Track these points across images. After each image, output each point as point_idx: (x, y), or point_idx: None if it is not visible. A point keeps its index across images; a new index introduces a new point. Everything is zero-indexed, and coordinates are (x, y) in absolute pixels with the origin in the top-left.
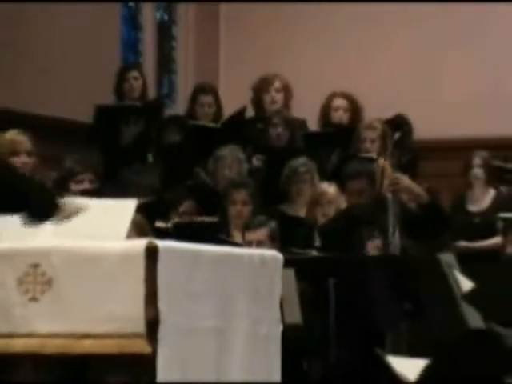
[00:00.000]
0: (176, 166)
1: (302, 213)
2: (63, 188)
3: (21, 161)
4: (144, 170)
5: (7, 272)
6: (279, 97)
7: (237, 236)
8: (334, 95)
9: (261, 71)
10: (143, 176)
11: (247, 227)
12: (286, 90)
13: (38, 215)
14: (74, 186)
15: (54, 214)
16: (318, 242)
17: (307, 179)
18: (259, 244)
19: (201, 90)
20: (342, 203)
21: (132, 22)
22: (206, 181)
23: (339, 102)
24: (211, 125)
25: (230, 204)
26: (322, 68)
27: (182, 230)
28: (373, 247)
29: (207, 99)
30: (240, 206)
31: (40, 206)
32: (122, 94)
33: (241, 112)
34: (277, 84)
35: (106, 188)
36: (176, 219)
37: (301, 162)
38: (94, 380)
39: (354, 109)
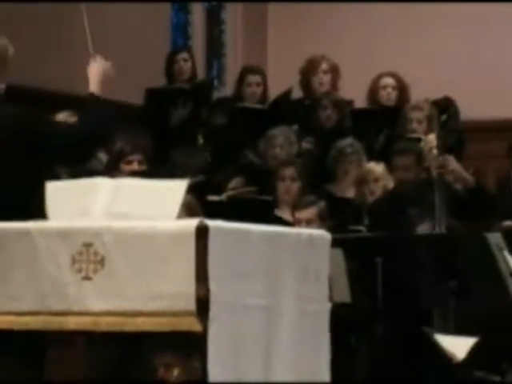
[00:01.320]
0: (225, 148)
1: (348, 193)
2: (114, 169)
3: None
4: (194, 152)
5: (61, 251)
6: (327, 78)
7: (285, 212)
8: (381, 75)
9: (308, 53)
10: (193, 157)
11: (296, 206)
12: (334, 71)
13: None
14: (124, 167)
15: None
16: (366, 221)
17: (354, 159)
18: (308, 223)
19: (249, 70)
20: (389, 182)
21: (182, 6)
22: (255, 161)
23: (387, 81)
24: (258, 106)
25: (279, 180)
26: (370, 50)
27: (236, 204)
28: (420, 226)
29: (255, 79)
30: (289, 182)
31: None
32: (172, 76)
33: (287, 93)
34: (324, 66)
35: (156, 169)
36: (230, 193)
37: (348, 142)
38: (146, 357)
39: (402, 87)
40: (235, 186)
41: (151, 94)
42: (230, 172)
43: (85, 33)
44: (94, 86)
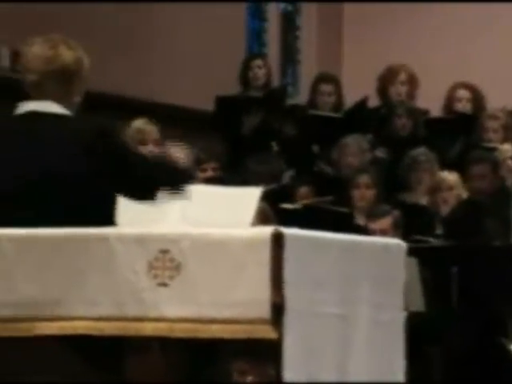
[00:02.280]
0: (297, 155)
1: (421, 202)
2: None
3: (148, 150)
4: (267, 159)
5: (138, 257)
6: (404, 89)
7: (360, 221)
8: (456, 86)
9: (384, 61)
10: (266, 165)
11: (371, 216)
12: (412, 81)
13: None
14: (199, 174)
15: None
16: (439, 230)
17: (427, 168)
18: (383, 233)
19: (322, 78)
20: (463, 192)
21: (257, 13)
22: (326, 169)
23: (462, 93)
24: (333, 114)
25: (354, 188)
26: (446, 58)
27: (311, 213)
28: (496, 236)
29: (328, 88)
30: (364, 189)
31: (174, 178)
32: (247, 83)
33: (363, 102)
34: (402, 77)
35: (230, 176)
36: (305, 201)
37: (421, 151)
38: (220, 363)
39: (477, 99)
40: (304, 194)
41: (221, 101)
42: (301, 180)
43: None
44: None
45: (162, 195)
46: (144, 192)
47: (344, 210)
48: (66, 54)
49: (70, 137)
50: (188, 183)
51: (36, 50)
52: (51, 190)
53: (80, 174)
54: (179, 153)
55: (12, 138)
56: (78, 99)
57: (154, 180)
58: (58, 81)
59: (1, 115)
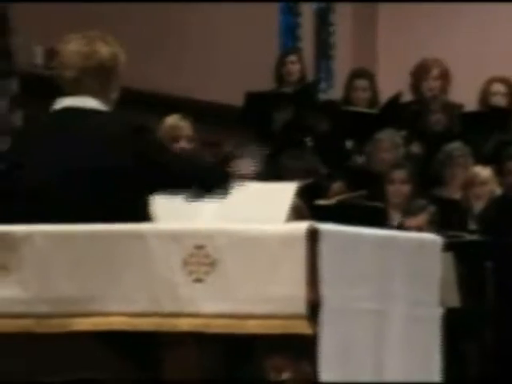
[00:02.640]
0: (331, 151)
1: (455, 196)
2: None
3: (181, 146)
4: (301, 155)
5: (173, 253)
6: (437, 84)
7: (395, 216)
8: (492, 80)
9: (419, 56)
10: (300, 160)
11: (407, 212)
12: (445, 76)
13: (211, 188)
14: (233, 170)
15: (225, 186)
16: (472, 226)
17: (461, 163)
18: (418, 230)
19: (356, 74)
20: (496, 187)
21: (290, 8)
22: (360, 164)
23: (497, 87)
24: (366, 110)
25: (389, 183)
26: (481, 52)
27: (345, 209)
28: None
29: (362, 83)
30: (398, 184)
31: (212, 178)
32: (281, 79)
33: (396, 98)
34: (435, 72)
35: (264, 172)
36: (339, 197)
37: (455, 145)
38: (256, 359)
39: None
40: (337, 190)
41: (251, 97)
42: (336, 174)
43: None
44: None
45: (197, 194)
46: (177, 190)
47: (378, 205)
48: (103, 50)
49: (106, 132)
50: (224, 182)
51: (73, 47)
52: (86, 185)
53: (113, 169)
54: (247, 168)
55: (48, 133)
56: (114, 95)
57: (188, 178)
58: (96, 77)
59: (38, 111)
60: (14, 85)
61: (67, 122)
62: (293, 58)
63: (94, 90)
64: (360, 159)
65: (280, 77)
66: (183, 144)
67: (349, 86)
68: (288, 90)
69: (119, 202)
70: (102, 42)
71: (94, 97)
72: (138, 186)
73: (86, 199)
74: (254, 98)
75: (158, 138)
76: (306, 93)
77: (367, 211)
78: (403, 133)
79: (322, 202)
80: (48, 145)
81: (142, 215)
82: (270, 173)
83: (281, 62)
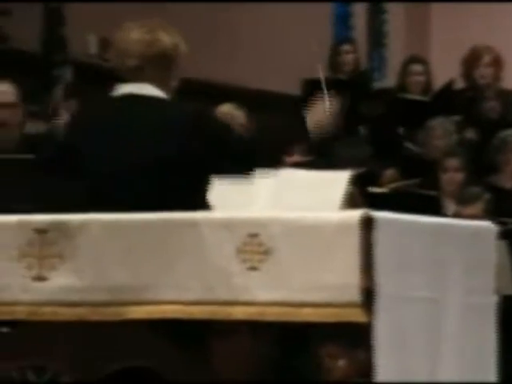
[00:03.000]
0: (385, 139)
1: (509, 183)
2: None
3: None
4: (355, 143)
5: (227, 241)
6: (489, 71)
7: (449, 204)
8: None
9: (472, 41)
10: (355, 149)
11: (462, 201)
12: (497, 63)
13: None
14: (286, 158)
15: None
16: None
17: None
18: (474, 218)
19: (412, 59)
20: None
21: None
22: (413, 151)
23: None
24: (420, 98)
25: (442, 171)
26: None
27: (399, 197)
28: None
29: (417, 68)
30: (452, 172)
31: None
32: (336, 68)
33: (449, 85)
34: (486, 59)
35: (319, 160)
36: (393, 185)
37: (510, 132)
38: (311, 347)
39: None
40: (390, 177)
41: (308, 84)
42: (387, 163)
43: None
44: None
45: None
46: (243, 169)
47: (432, 193)
48: (165, 39)
49: (168, 119)
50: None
51: (135, 35)
52: (149, 172)
53: (178, 156)
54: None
55: (110, 119)
56: (174, 84)
57: (253, 156)
58: (157, 65)
59: (98, 97)
60: (68, 74)
61: (129, 109)
62: (347, 47)
63: (154, 79)
64: (413, 147)
65: (335, 66)
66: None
67: (404, 72)
68: (344, 77)
69: (182, 191)
70: (163, 31)
71: (156, 85)
72: (202, 170)
73: (152, 188)
74: (310, 85)
75: (220, 120)
76: (361, 80)
77: (421, 199)
78: (457, 118)
79: (375, 189)
80: (110, 132)
81: (202, 203)
82: (324, 161)
83: (335, 52)
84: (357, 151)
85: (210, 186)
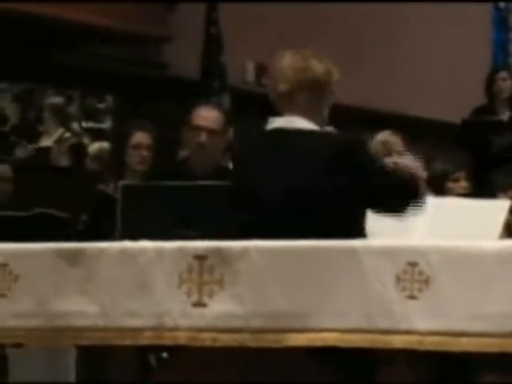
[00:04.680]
0: None
1: None
2: (437, 188)
3: (393, 161)
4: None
5: (386, 269)
6: None
7: None
8: None
9: None
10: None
11: None
12: None
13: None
14: (450, 185)
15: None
16: None
17: None
18: None
19: None
20: None
21: (503, 23)
22: None
23: None
24: None
25: None
26: None
27: None
28: None
29: None
30: None
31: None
32: (492, 95)
33: None
34: None
35: (478, 189)
36: None
37: None
38: (472, 378)
39: None
40: None
41: (466, 125)
42: None
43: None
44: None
45: (406, 210)
46: (390, 206)
47: None
48: (317, 66)
49: (316, 152)
50: (421, 196)
51: (288, 61)
52: (305, 206)
53: (325, 189)
54: (412, 163)
55: (263, 154)
56: (326, 112)
57: (395, 194)
58: (309, 92)
59: (253, 130)
60: (226, 101)
61: (282, 144)
62: (504, 74)
63: (306, 107)
64: None
65: (491, 94)
66: (395, 159)
67: None
68: (504, 117)
69: (336, 220)
70: (315, 58)
71: (307, 114)
72: (353, 201)
73: (308, 219)
74: (468, 126)
75: (369, 152)
76: None
77: None
78: None
79: None
80: (268, 166)
81: (358, 232)
82: (481, 190)
83: (491, 79)
84: None
85: (364, 216)
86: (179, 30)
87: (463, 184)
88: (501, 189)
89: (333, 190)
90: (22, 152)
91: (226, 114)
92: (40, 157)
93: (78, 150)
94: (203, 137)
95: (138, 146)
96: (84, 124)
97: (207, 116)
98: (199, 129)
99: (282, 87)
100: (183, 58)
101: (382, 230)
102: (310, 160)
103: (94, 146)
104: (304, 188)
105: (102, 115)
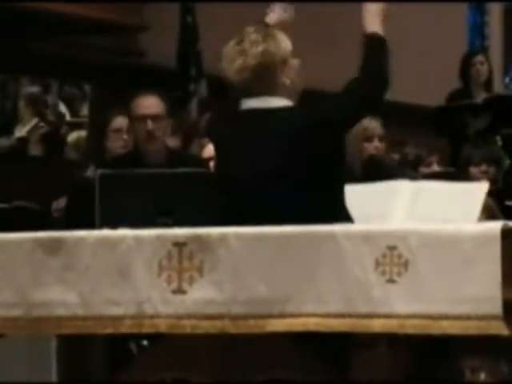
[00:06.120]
0: None
1: None
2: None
3: (373, 146)
4: (484, 143)
5: (366, 253)
6: None
7: None
8: None
9: None
10: (483, 149)
11: None
12: None
13: None
14: (423, 169)
15: None
16: None
17: None
18: None
19: None
20: None
21: (478, 7)
22: None
23: None
24: None
25: None
26: None
27: None
28: None
29: None
30: None
31: None
32: (468, 79)
33: None
34: None
35: (453, 171)
36: None
37: None
38: (452, 360)
39: None
40: None
41: (442, 111)
42: None
43: None
44: None
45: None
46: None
47: None
48: (273, 46)
49: (286, 130)
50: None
51: (244, 46)
52: (281, 187)
53: (300, 167)
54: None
55: (241, 136)
56: (287, 82)
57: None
58: (270, 74)
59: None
60: (203, 88)
61: (257, 124)
62: (480, 58)
63: (271, 88)
64: None
65: (467, 77)
66: (375, 144)
67: None
68: (478, 100)
69: (314, 195)
70: (271, 38)
71: (274, 94)
72: (327, 174)
73: (279, 200)
74: (444, 112)
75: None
76: (499, 103)
77: None
78: None
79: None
80: (242, 149)
81: (338, 206)
82: (454, 165)
83: (467, 63)
84: (487, 151)
85: (343, 187)
86: (156, 19)
87: (435, 169)
88: (474, 163)
89: (306, 163)
90: None
91: (162, 96)
92: (17, 147)
93: (52, 139)
94: (150, 124)
95: (118, 130)
96: (62, 112)
97: (149, 103)
98: (144, 117)
99: (237, 76)
100: (160, 46)
101: (362, 216)
102: (280, 138)
103: (73, 135)
104: (278, 166)
105: (80, 103)
